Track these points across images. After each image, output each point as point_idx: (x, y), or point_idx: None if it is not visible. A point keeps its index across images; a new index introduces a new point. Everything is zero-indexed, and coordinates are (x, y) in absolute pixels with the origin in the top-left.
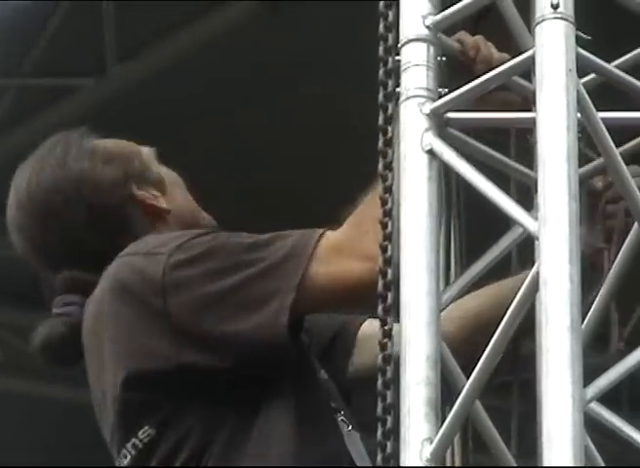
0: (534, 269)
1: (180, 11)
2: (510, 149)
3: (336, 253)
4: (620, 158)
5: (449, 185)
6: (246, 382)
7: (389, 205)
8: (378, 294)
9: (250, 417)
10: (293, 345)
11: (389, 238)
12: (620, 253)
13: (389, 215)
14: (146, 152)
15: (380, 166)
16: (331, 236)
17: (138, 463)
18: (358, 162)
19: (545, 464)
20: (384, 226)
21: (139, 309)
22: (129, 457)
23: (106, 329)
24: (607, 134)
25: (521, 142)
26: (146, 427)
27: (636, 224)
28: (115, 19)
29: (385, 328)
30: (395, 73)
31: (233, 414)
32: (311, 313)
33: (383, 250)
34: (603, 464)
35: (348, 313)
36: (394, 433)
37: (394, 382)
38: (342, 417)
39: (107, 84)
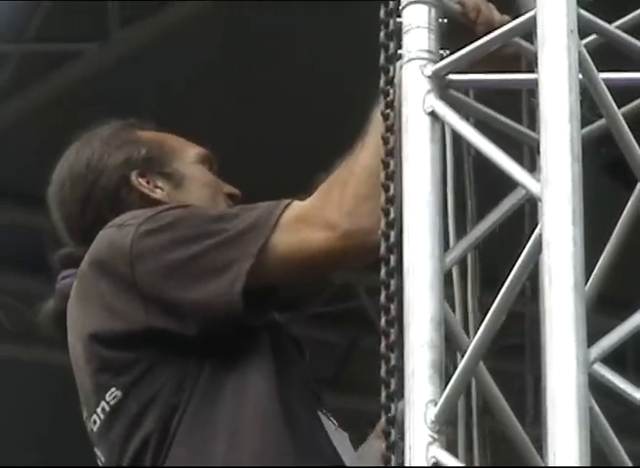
0: (537, 231)
1: None
2: (521, 112)
3: (299, 222)
4: (622, 119)
5: (461, 148)
6: (215, 346)
7: (392, 168)
8: (380, 257)
9: (221, 381)
10: (252, 313)
11: (392, 201)
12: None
13: (391, 179)
14: (177, 148)
15: (383, 128)
16: (297, 206)
17: (105, 429)
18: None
19: (549, 426)
20: (387, 189)
21: (112, 278)
22: (98, 423)
23: (84, 299)
24: (609, 94)
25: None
26: (113, 389)
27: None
28: None
29: (388, 291)
30: (397, 35)
31: (204, 378)
32: (275, 282)
33: (386, 213)
34: (607, 425)
35: (314, 283)
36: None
37: (398, 345)
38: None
39: (110, 49)
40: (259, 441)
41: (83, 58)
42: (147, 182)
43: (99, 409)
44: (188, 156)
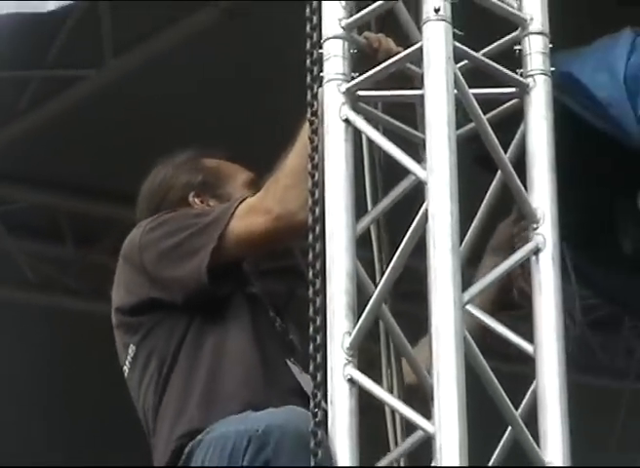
0: (424, 206)
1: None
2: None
3: (248, 212)
4: (487, 123)
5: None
6: (200, 309)
7: (316, 161)
8: (308, 227)
9: (205, 335)
10: (218, 285)
11: (317, 185)
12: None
13: (317, 168)
14: (231, 174)
15: (309, 132)
16: (248, 200)
17: (129, 375)
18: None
19: (434, 349)
20: (313, 177)
21: (130, 266)
22: (126, 371)
23: (116, 282)
24: (477, 105)
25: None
26: (132, 345)
27: (498, 175)
28: (111, 19)
29: (315, 252)
30: (319, 62)
31: (192, 333)
32: (235, 259)
33: (312, 194)
34: (477, 350)
35: (265, 257)
36: (323, 330)
37: (322, 292)
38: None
39: (105, 75)
40: (237, 373)
41: (83, 82)
42: (201, 202)
43: (126, 361)
44: (238, 181)
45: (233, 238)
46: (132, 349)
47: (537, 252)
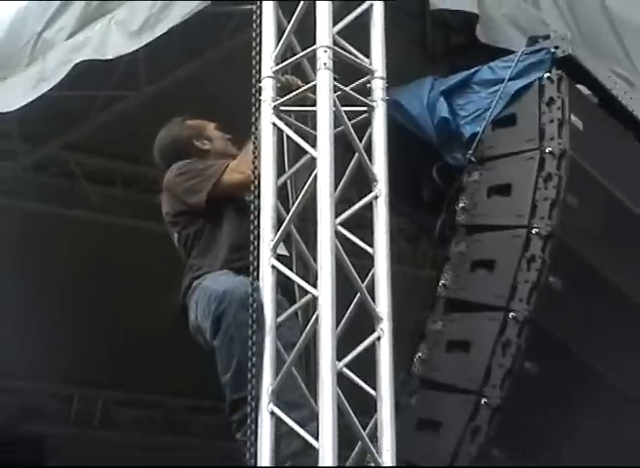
0: (314, 171)
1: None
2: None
3: (231, 171)
4: (351, 126)
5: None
6: (206, 216)
7: (257, 153)
8: (254, 182)
9: (218, 226)
10: (212, 204)
11: (256, 167)
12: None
13: (258, 158)
14: (205, 125)
15: (252, 138)
16: (230, 165)
17: (178, 246)
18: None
19: (320, 401)
20: (254, 163)
21: (168, 192)
22: (176, 243)
23: (165, 195)
24: (345, 116)
25: None
26: (175, 233)
27: (356, 155)
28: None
29: (255, 212)
30: (259, 91)
31: (209, 226)
32: (225, 195)
33: (253, 172)
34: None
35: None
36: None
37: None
38: None
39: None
40: (223, 247)
41: (126, 100)
42: (201, 143)
43: (174, 239)
44: (210, 128)
45: (222, 184)
46: (175, 235)
47: (376, 197)
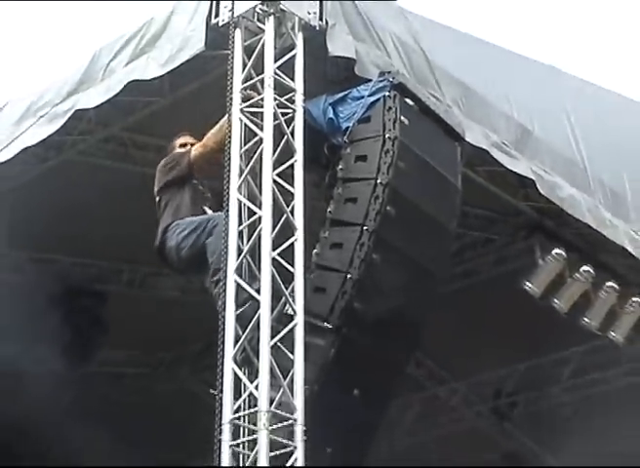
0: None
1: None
2: None
3: (199, 146)
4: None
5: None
6: (177, 191)
7: (228, 137)
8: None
9: (183, 191)
10: (182, 186)
11: (230, 141)
12: None
13: (229, 142)
14: (177, 142)
15: (227, 122)
16: (197, 145)
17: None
18: None
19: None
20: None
21: (158, 172)
22: (157, 202)
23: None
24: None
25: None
26: (158, 196)
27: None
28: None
29: (228, 166)
30: (231, 99)
31: (180, 190)
32: (200, 163)
33: (227, 145)
34: None
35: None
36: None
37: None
38: None
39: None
40: (192, 209)
41: (151, 104)
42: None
43: (160, 202)
44: (180, 141)
45: (194, 156)
46: (158, 198)
47: (296, 161)
